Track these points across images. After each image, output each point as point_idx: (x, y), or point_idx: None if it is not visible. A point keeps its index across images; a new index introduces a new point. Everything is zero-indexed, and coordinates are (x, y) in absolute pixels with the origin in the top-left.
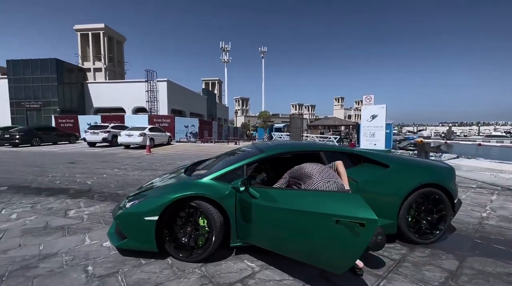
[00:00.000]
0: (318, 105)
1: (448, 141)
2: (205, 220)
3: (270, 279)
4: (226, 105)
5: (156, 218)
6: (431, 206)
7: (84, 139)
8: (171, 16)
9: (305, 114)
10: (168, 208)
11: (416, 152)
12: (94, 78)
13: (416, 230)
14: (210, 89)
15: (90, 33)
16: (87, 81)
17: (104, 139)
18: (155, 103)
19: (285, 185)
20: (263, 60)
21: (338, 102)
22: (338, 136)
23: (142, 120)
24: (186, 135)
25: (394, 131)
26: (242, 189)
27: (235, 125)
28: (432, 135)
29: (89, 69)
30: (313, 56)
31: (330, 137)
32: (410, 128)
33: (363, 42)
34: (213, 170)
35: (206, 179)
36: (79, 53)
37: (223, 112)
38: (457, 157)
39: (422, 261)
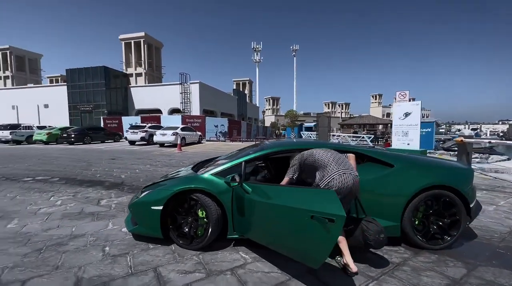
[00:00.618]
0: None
1: (507, 141)
2: (203, 212)
3: (259, 270)
4: (257, 105)
5: (160, 207)
6: (441, 209)
7: (126, 138)
8: (205, 20)
9: (339, 112)
10: (171, 199)
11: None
12: (136, 83)
13: (424, 234)
14: (240, 89)
15: (132, 41)
16: (130, 86)
17: (142, 138)
18: (188, 104)
19: (297, 172)
20: (294, 58)
21: (376, 99)
22: (373, 136)
23: (176, 120)
24: (216, 134)
25: (441, 130)
26: (233, 184)
27: (264, 125)
28: (488, 134)
29: (131, 75)
30: (349, 53)
31: (363, 137)
32: (461, 127)
33: (407, 35)
34: (215, 166)
35: (206, 174)
36: (123, 60)
37: (253, 112)
38: (509, 159)
39: (424, 267)
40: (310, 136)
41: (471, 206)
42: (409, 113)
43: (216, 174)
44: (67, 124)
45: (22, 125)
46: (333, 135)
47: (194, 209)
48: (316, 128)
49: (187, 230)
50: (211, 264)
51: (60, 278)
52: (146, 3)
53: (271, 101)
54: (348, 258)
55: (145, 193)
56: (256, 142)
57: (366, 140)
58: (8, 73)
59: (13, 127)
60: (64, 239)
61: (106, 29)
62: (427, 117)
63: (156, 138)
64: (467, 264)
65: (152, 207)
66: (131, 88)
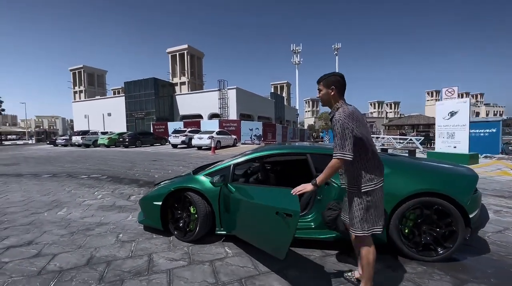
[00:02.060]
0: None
1: None
2: (194, 209)
3: (235, 264)
4: (295, 107)
5: (160, 203)
6: (434, 218)
7: (169, 141)
8: (244, 24)
9: (387, 113)
10: (169, 197)
11: None
12: (180, 91)
13: (415, 244)
14: (278, 92)
15: (177, 53)
16: (175, 94)
17: (182, 142)
18: (226, 109)
19: None
20: (336, 57)
21: (432, 96)
22: (423, 137)
23: (213, 124)
24: (250, 137)
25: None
26: (218, 184)
27: (303, 127)
28: None
29: (176, 84)
30: (399, 48)
31: (410, 139)
32: None
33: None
34: (209, 168)
35: (199, 175)
36: (170, 71)
37: (291, 115)
38: None
39: (403, 277)
40: None
41: (470, 216)
42: (455, 113)
43: (208, 175)
44: (125, 130)
45: (90, 131)
46: (377, 137)
47: (187, 205)
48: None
49: (181, 224)
50: (196, 255)
51: (79, 255)
52: (191, 18)
53: (310, 103)
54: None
55: (151, 189)
56: (264, 145)
57: (414, 142)
58: (82, 88)
59: (83, 133)
60: (93, 225)
61: (157, 44)
62: (500, 115)
63: (194, 141)
64: (456, 279)
65: (154, 202)
66: (176, 96)
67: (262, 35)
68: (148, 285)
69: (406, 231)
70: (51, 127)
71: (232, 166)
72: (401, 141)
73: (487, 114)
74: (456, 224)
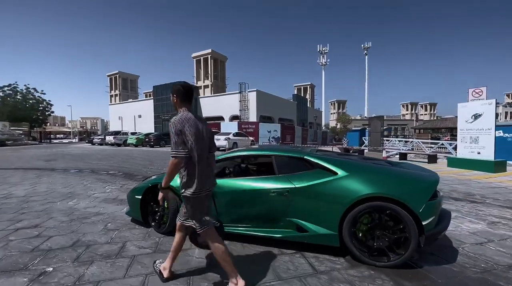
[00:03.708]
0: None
1: None
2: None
3: (192, 256)
4: (319, 109)
5: (140, 197)
6: (388, 223)
7: None
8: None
9: (422, 115)
10: (147, 191)
11: None
12: (204, 93)
13: (367, 248)
14: (302, 94)
15: (201, 58)
16: (199, 97)
17: None
18: (246, 111)
19: None
20: (366, 57)
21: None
22: (456, 142)
23: (233, 126)
24: (268, 139)
25: None
26: None
27: (327, 130)
28: None
29: (200, 87)
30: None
31: (442, 144)
32: None
33: None
34: None
35: None
36: (195, 74)
37: (316, 117)
38: None
39: (344, 279)
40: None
41: (424, 223)
42: (479, 115)
43: None
44: (153, 131)
45: (121, 132)
46: (406, 141)
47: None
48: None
49: (157, 217)
50: (163, 245)
51: (68, 238)
52: (216, 22)
53: (336, 105)
54: (167, 264)
55: (136, 185)
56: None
57: (446, 147)
58: (117, 92)
59: (115, 133)
60: (91, 215)
61: (183, 49)
62: None
63: None
64: (398, 285)
65: (136, 196)
66: (200, 98)
67: (287, 36)
68: (111, 266)
69: (360, 235)
70: (93, 128)
71: None
72: (432, 145)
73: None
74: (409, 230)
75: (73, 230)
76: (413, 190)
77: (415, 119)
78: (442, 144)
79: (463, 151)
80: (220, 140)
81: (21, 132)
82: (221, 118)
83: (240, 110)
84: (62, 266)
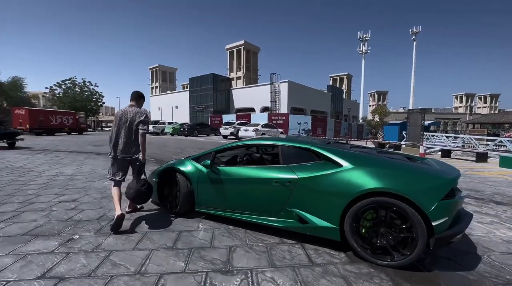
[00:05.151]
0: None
1: None
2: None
3: (197, 237)
4: (357, 101)
5: (156, 179)
6: (393, 221)
7: (220, 132)
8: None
9: (480, 107)
10: (162, 174)
11: None
12: (236, 85)
13: (369, 245)
14: (338, 85)
15: (234, 49)
16: (231, 88)
17: (231, 133)
18: (277, 103)
19: None
20: (414, 43)
21: None
22: None
23: (263, 118)
24: (298, 131)
25: None
26: (207, 164)
27: (361, 123)
28: None
29: (233, 78)
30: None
31: (500, 141)
32: None
33: None
34: (199, 153)
35: (187, 159)
36: (228, 66)
37: (353, 109)
38: None
39: (338, 273)
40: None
41: (434, 223)
42: None
43: (194, 159)
44: (188, 121)
45: (160, 121)
46: (456, 137)
47: (175, 184)
48: (439, 127)
49: (171, 199)
50: (173, 225)
51: (96, 212)
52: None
53: (375, 96)
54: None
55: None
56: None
57: (506, 145)
58: (157, 84)
59: (154, 123)
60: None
61: (218, 41)
62: None
63: (240, 133)
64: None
65: (154, 179)
66: (232, 90)
67: (324, 25)
68: (125, 239)
69: (363, 231)
70: None
71: (213, 152)
72: (489, 142)
73: None
74: (416, 230)
75: (102, 206)
76: (423, 187)
77: (468, 112)
78: (501, 141)
79: None
80: (248, 131)
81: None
82: (252, 109)
83: (271, 101)
84: (86, 235)
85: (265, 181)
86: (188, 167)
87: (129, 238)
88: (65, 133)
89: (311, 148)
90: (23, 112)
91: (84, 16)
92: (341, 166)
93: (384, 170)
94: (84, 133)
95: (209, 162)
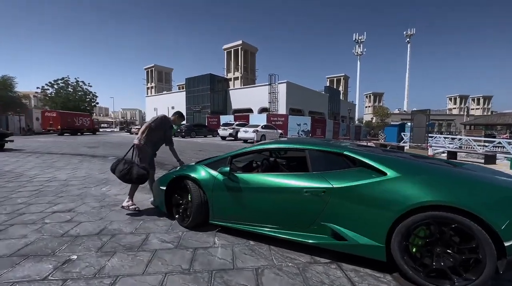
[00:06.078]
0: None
1: None
2: (191, 196)
3: (215, 255)
4: (353, 102)
5: (164, 188)
6: (453, 240)
7: (218, 134)
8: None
9: (473, 109)
10: (171, 183)
11: None
12: (233, 86)
13: (422, 267)
14: (335, 86)
15: (232, 50)
16: (229, 89)
17: (230, 134)
18: (276, 103)
19: None
20: (408, 45)
21: None
22: None
23: (261, 119)
24: (297, 133)
25: None
26: (225, 170)
27: (361, 124)
28: None
29: (230, 79)
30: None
31: (499, 142)
32: None
33: None
34: (210, 158)
35: (198, 164)
36: (225, 67)
37: (349, 110)
38: None
39: None
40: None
41: (506, 244)
42: None
43: (207, 165)
44: (184, 122)
45: None
46: (453, 139)
47: (186, 193)
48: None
49: (181, 210)
50: (185, 241)
51: (96, 225)
52: (248, 13)
53: (371, 97)
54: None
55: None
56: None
57: (504, 146)
58: (153, 84)
59: None
60: (120, 202)
61: (214, 41)
62: None
63: (239, 135)
64: None
65: (160, 187)
66: (230, 90)
67: (322, 25)
68: (132, 260)
69: (414, 250)
70: (132, 118)
71: (229, 157)
72: (487, 144)
73: None
74: (483, 251)
75: (102, 217)
76: (491, 200)
77: (465, 114)
78: (499, 143)
79: None
80: (248, 133)
81: None
82: (250, 110)
83: (270, 102)
84: (85, 255)
85: (293, 190)
86: (201, 174)
87: (136, 258)
88: (90, 133)
89: (345, 152)
90: (55, 115)
91: (78, 15)
92: (385, 174)
93: (437, 179)
94: (96, 133)
95: (227, 168)
